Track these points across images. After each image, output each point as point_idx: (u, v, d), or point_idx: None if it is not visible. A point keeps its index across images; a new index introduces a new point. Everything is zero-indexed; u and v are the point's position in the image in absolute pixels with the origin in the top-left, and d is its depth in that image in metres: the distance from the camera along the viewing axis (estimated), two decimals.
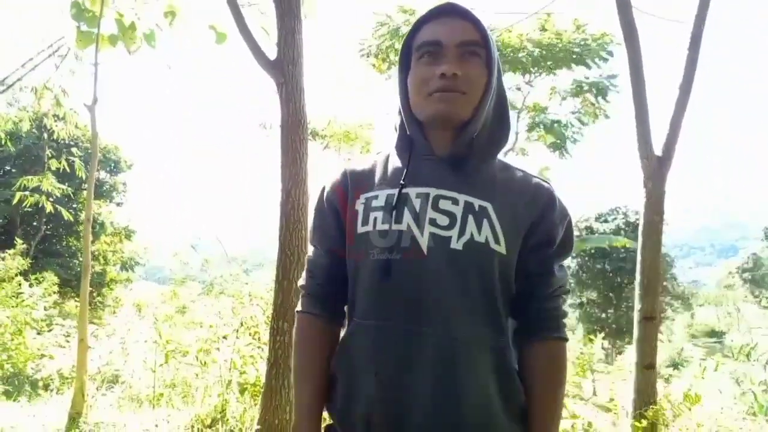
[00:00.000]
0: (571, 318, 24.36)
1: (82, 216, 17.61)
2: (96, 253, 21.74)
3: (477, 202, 1.08)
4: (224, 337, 4.99)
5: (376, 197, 1.14)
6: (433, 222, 1.07)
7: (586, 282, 27.00)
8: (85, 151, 17.97)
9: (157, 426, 4.35)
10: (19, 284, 9.25)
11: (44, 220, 19.84)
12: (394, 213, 1.09)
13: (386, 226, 1.09)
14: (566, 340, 1.18)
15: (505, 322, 1.12)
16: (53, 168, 8.53)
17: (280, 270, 4.06)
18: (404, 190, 1.11)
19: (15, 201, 8.17)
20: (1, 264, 9.45)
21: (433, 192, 1.10)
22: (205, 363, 5.05)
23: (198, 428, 4.28)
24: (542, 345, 1.15)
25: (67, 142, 18.57)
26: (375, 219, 1.11)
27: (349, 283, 1.18)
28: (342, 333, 1.22)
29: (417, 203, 1.09)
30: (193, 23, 5.00)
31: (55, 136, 17.41)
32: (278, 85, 4.05)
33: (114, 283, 21.45)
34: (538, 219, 1.13)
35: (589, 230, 27.81)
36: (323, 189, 1.27)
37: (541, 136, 15.32)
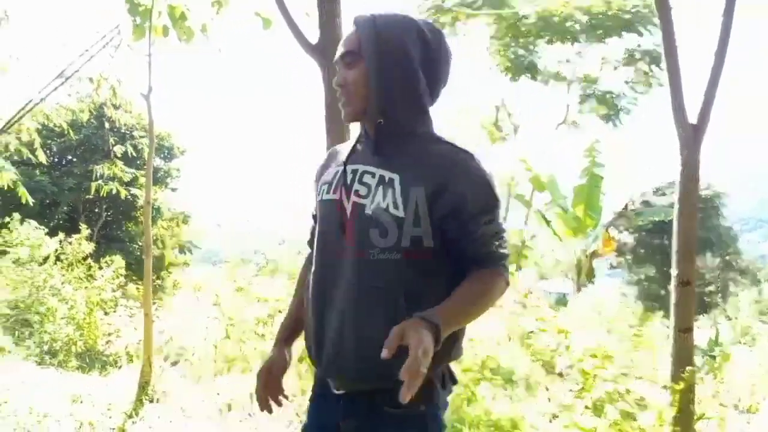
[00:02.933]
0: (629, 295, 23.73)
1: (140, 201, 18.28)
2: (154, 237, 22.55)
3: (387, 175, 1.32)
4: (280, 311, 5.22)
5: (328, 173, 1.49)
6: (356, 192, 1.35)
7: (643, 258, 26.12)
8: (140, 138, 18.68)
9: (218, 394, 4.64)
10: (89, 267, 9.80)
11: (104, 206, 20.73)
12: (333, 185, 1.42)
13: (327, 197, 1.43)
14: (499, 269, 1.34)
15: (407, 275, 1.30)
16: (119, 154, 8.93)
17: None
18: (345, 167, 1.41)
19: (93, 190, 8.66)
20: (69, 248, 9.99)
21: (360, 168, 1.38)
22: (263, 335, 5.31)
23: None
24: (475, 271, 1.32)
25: (123, 130, 19.31)
26: (323, 190, 1.46)
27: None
28: None
29: (349, 178, 1.38)
30: (240, 10, 5.16)
31: (116, 125, 18.17)
32: (321, 67, 4.17)
33: (172, 267, 22.23)
34: (441, 188, 1.29)
35: (647, 204, 26.90)
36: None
37: (594, 107, 15.00)
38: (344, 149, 1.51)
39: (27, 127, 11.20)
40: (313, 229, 1.55)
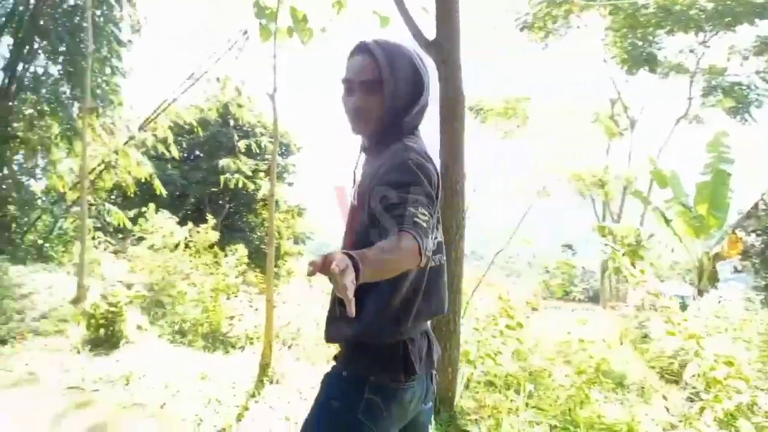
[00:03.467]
0: (755, 301, 21.66)
1: (259, 194, 19.12)
2: (266, 224, 23.82)
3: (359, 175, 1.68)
4: None
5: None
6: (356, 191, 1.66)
7: None
8: (261, 135, 19.70)
9: None
10: (215, 254, 10.52)
11: (227, 198, 22.12)
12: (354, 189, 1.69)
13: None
14: (406, 229, 1.34)
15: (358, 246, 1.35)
16: (242, 150, 9.51)
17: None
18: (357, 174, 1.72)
19: (221, 183, 9.33)
20: (197, 236, 10.77)
21: (359, 174, 1.69)
22: None
23: None
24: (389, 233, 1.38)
25: (246, 128, 20.49)
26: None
27: None
28: None
29: (357, 179, 1.69)
30: (358, 9, 5.31)
31: (239, 123, 19.30)
32: (437, 63, 4.22)
33: (287, 256, 23.26)
34: (376, 176, 1.53)
35: None
36: None
37: (719, 100, 13.90)
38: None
39: (162, 125, 12.21)
40: None
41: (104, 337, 5.88)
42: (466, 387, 4.44)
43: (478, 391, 4.48)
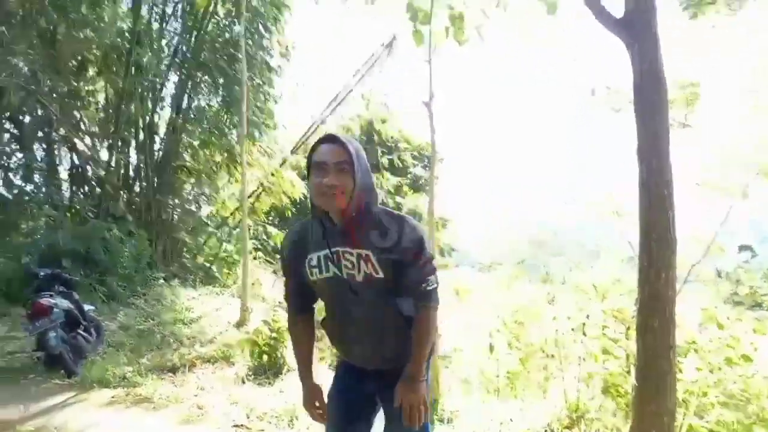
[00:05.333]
0: None
1: (405, 209, 18.97)
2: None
3: (363, 252, 1.93)
4: (572, 330, 4.64)
5: (311, 259, 2.02)
6: (345, 267, 1.96)
7: None
8: (403, 150, 19.65)
9: (511, 420, 4.23)
10: None
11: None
12: (322, 267, 2.00)
13: (324, 275, 2.00)
14: (432, 305, 2.03)
15: (397, 310, 2.02)
16: (386, 166, 9.29)
17: (645, 256, 3.52)
18: (325, 251, 1.98)
19: None
20: None
21: (340, 249, 1.96)
22: (552, 355, 4.79)
23: (557, 427, 4.02)
24: (418, 308, 2.02)
25: (389, 143, 20.57)
26: (315, 272, 2.01)
27: (321, 297, 2.15)
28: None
29: (334, 257, 1.97)
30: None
31: (383, 138, 19.43)
32: (628, 45, 3.52)
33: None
34: (396, 248, 1.94)
35: None
36: (282, 253, 2.19)
37: None
38: (308, 238, 2.05)
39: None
40: (293, 291, 2.19)
41: (267, 364, 5.78)
42: None
43: None
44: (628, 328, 4.41)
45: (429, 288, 1.99)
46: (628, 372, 4.32)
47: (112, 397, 4.97)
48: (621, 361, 4.41)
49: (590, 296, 5.05)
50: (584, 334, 4.43)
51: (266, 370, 5.75)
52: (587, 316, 4.90)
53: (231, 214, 12.88)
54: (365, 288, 1.96)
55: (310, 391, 2.20)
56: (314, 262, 2.00)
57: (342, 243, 1.95)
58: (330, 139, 1.94)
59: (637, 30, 3.43)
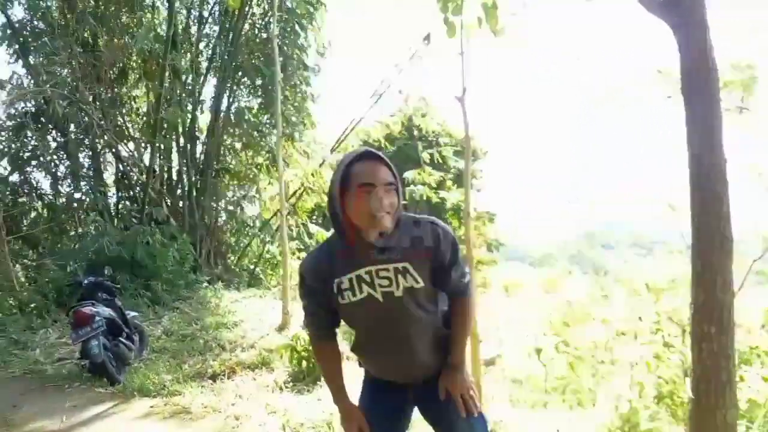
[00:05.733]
0: None
1: (448, 204, 18.73)
2: (462, 237, 23.33)
3: (400, 265, 1.85)
4: (623, 334, 4.36)
5: (342, 282, 1.89)
6: (380, 285, 1.87)
7: None
8: (444, 145, 19.36)
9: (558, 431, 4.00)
10: None
11: (417, 210, 22.13)
12: (354, 289, 1.88)
13: (355, 298, 1.89)
14: (469, 296, 2.05)
15: (437, 314, 2.00)
16: (426, 161, 9.12)
17: (698, 260, 3.23)
18: (357, 272, 1.87)
19: (407, 196, 9.06)
20: None
21: (374, 268, 1.86)
22: (603, 361, 4.52)
23: None
24: (456, 301, 2.03)
25: (430, 138, 20.28)
26: (347, 295, 1.90)
27: (351, 321, 2.04)
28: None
29: (367, 277, 1.86)
30: None
31: (423, 133, 19.18)
32: (674, 28, 3.23)
33: (481, 265, 22.60)
34: (435, 253, 1.89)
35: None
36: (303, 278, 1.99)
37: None
38: (332, 260, 1.90)
39: (352, 145, 12.32)
40: (317, 316, 2.04)
41: (306, 370, 5.69)
42: None
43: None
44: (684, 331, 4.13)
45: (466, 281, 2.00)
46: (686, 377, 4.03)
47: (151, 407, 4.95)
48: (677, 367, 4.12)
49: (643, 296, 4.75)
50: (636, 337, 4.15)
51: (305, 376, 5.65)
52: (640, 318, 4.62)
53: (273, 215, 12.93)
54: (407, 301, 1.89)
55: (348, 412, 2.11)
56: (346, 285, 1.88)
57: (376, 261, 1.85)
58: (371, 156, 1.85)
59: (685, 11, 3.13)
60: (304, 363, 5.77)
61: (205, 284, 9.66)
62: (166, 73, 10.16)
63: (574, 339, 5.19)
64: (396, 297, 1.87)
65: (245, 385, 5.53)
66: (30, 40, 9.86)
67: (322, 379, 5.65)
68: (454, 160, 18.69)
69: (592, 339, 4.72)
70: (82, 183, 10.75)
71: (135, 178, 11.22)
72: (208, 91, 11.95)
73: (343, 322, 2.06)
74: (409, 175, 10.63)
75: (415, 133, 17.60)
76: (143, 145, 11.29)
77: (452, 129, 21.25)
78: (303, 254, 12.59)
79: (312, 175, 11.38)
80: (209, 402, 5.00)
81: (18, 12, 9.87)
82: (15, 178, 10.29)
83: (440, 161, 11.15)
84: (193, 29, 11.79)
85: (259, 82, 11.74)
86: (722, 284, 3.15)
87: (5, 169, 10.10)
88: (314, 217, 16.90)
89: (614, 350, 4.48)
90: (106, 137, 10.42)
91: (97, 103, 10.24)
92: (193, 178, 11.44)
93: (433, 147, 15.16)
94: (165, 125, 10.68)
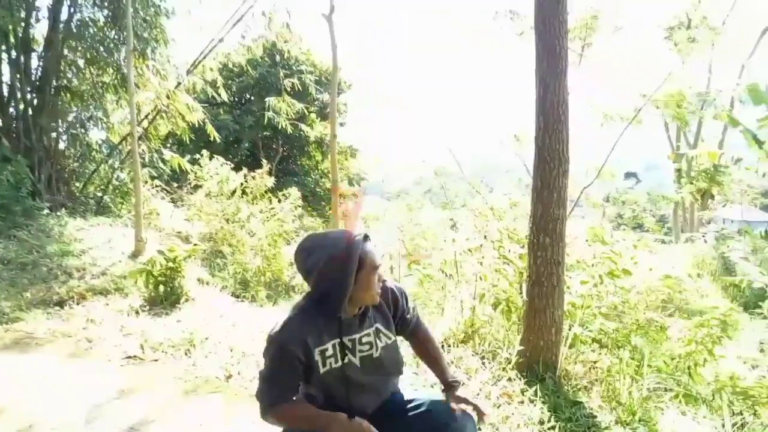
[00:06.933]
0: None
1: (312, 137, 18.63)
2: (325, 171, 23.41)
3: (374, 328, 2.02)
4: (469, 251, 4.75)
5: (326, 350, 1.92)
6: (360, 351, 1.99)
7: None
8: (308, 74, 19.02)
9: None
10: (270, 200, 10.14)
11: (281, 142, 21.72)
12: (339, 355, 1.94)
13: (336, 364, 1.94)
14: (422, 322, 2.27)
15: (400, 357, 2.13)
16: (288, 89, 8.91)
17: (539, 178, 3.59)
18: (341, 339, 1.94)
19: (265, 121, 8.81)
20: (252, 182, 10.41)
21: (357, 336, 1.98)
22: (450, 275, 4.91)
23: (453, 342, 4.16)
24: (417, 332, 2.24)
25: (293, 67, 19.79)
26: (329, 362, 1.93)
27: (322, 389, 1.99)
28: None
29: (349, 344, 1.96)
30: None
31: (286, 61, 18.64)
32: None
33: (342, 198, 22.92)
34: (395, 310, 2.12)
35: None
36: (285, 344, 1.89)
37: None
38: (314, 329, 1.91)
39: (210, 67, 11.70)
40: (288, 386, 1.95)
41: (164, 295, 5.56)
42: (571, 347, 3.84)
43: (583, 351, 3.88)
44: (522, 246, 4.58)
45: (416, 313, 2.25)
46: (521, 288, 4.52)
47: None
48: (515, 279, 4.59)
49: (488, 218, 5.17)
50: (470, 253, 4.54)
51: (163, 300, 5.53)
52: (485, 237, 5.04)
53: (123, 139, 12.04)
54: (384, 356, 2.04)
55: (350, 419, 1.90)
56: (330, 352, 1.95)
57: (358, 329, 1.99)
58: (368, 238, 1.96)
59: None
60: (161, 288, 5.64)
61: (46, 211, 8.87)
62: None
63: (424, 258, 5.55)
64: (374, 357, 2.01)
65: (97, 310, 5.29)
66: None
67: (185, 296, 5.58)
68: (318, 90, 18.48)
69: (442, 258, 5.08)
70: None
71: None
72: None
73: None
74: (268, 100, 10.40)
75: (278, 59, 17.07)
76: None
77: (316, 59, 20.89)
78: (156, 182, 11.95)
79: (167, 97, 10.69)
80: (57, 327, 4.74)
81: None
82: None
83: (300, 90, 10.94)
84: None
85: None
86: (557, 200, 3.55)
87: None
88: (168, 144, 16.00)
89: (461, 266, 4.87)
90: None
91: None
92: (28, 96, 10.25)
93: (295, 76, 14.85)
94: None
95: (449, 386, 2.14)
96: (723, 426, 3.04)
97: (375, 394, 2.07)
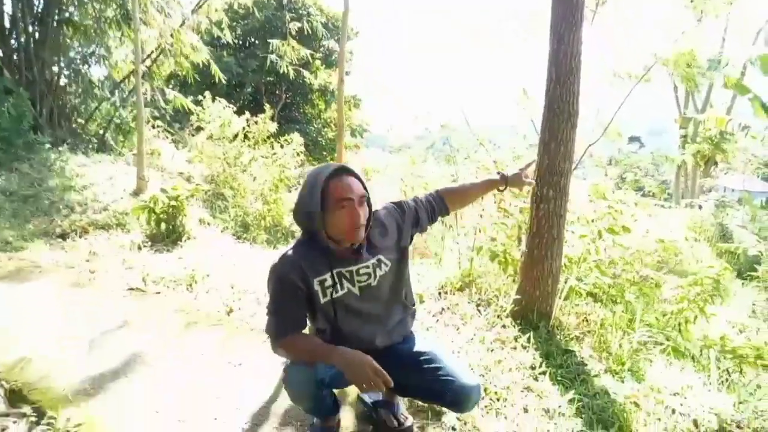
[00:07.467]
0: None
1: (316, 84, 18.38)
2: (328, 120, 23.21)
3: (375, 259, 2.02)
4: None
5: (325, 280, 1.96)
6: (359, 281, 2.00)
7: None
8: (316, 16, 18.65)
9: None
10: (272, 145, 10.09)
11: (284, 88, 21.46)
12: (339, 285, 1.98)
13: (337, 294, 1.98)
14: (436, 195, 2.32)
15: (403, 288, 2.17)
16: (293, 33, 8.74)
17: (547, 130, 3.57)
18: (339, 269, 1.97)
19: (268, 65, 8.67)
20: (255, 127, 10.34)
21: (354, 267, 1.99)
22: (450, 226, 4.95)
23: (449, 290, 4.23)
24: (441, 202, 2.29)
25: (300, 10, 19.36)
26: (329, 292, 1.97)
27: (327, 320, 2.04)
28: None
29: (347, 275, 1.98)
30: None
31: (293, 4, 18.20)
32: None
33: (344, 149, 22.79)
34: (402, 227, 2.13)
35: None
36: (285, 276, 1.93)
37: None
38: (310, 262, 1.94)
39: (215, 7, 11.44)
40: (292, 317, 1.98)
41: (166, 232, 5.61)
42: (566, 298, 3.91)
43: (578, 304, 3.95)
44: (524, 201, 4.61)
45: (428, 193, 2.31)
46: (520, 242, 4.57)
47: None
48: (513, 232, 4.64)
49: (490, 172, 5.16)
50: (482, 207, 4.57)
51: (164, 237, 5.59)
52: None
53: (126, 77, 11.89)
54: (382, 287, 2.05)
55: (352, 353, 1.85)
56: (329, 282, 1.97)
57: (354, 262, 1.99)
58: (345, 171, 1.94)
59: None
60: (163, 225, 5.69)
61: (48, 146, 8.84)
62: None
63: None
64: (373, 286, 2.02)
65: (99, 244, 5.37)
66: None
67: (187, 234, 5.64)
68: (324, 36, 18.13)
69: None
70: None
71: None
72: None
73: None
74: (272, 43, 10.22)
75: (285, 1, 16.68)
76: None
77: (324, 3, 20.44)
78: (158, 122, 11.87)
79: (171, 35, 10.51)
80: (60, 258, 4.81)
81: None
82: None
83: (309, 33, 10.71)
84: None
85: None
86: (564, 153, 3.55)
87: None
88: (171, 85, 15.79)
89: (461, 217, 4.91)
90: None
91: None
92: (30, 28, 10.07)
93: (303, 19, 14.52)
94: None
95: (501, 177, 2.39)
96: (709, 378, 3.13)
97: (379, 324, 2.09)
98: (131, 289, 4.16)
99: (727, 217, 14.92)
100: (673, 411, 2.68)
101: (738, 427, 2.61)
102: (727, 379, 3.25)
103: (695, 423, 2.61)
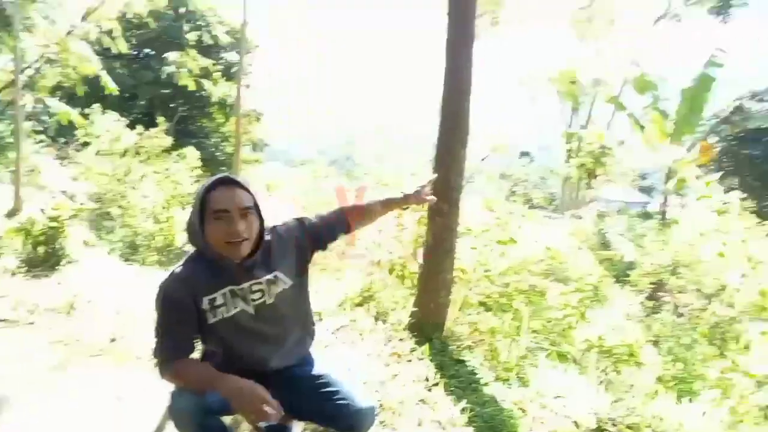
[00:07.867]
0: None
1: (214, 98, 17.94)
2: (227, 134, 22.67)
3: (271, 276, 1.90)
4: None
5: (215, 299, 1.84)
6: (252, 299, 1.88)
7: (727, 169, 23.58)
8: (218, 24, 18.20)
9: None
10: (164, 160, 9.73)
11: (180, 101, 20.75)
12: (230, 304, 1.86)
13: (228, 314, 1.86)
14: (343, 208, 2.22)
15: (304, 305, 2.10)
16: (191, 43, 8.50)
17: (441, 143, 3.70)
18: (230, 288, 1.85)
19: (164, 77, 8.34)
20: (147, 141, 9.93)
21: (246, 285, 1.86)
22: (349, 244, 4.98)
23: (348, 305, 4.25)
24: (341, 219, 2.15)
25: (198, 20, 18.81)
26: (219, 312, 1.85)
27: (218, 340, 1.91)
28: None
29: (240, 293, 1.86)
30: None
31: (191, 12, 17.65)
32: None
33: (244, 164, 22.39)
34: (301, 243, 2.01)
35: (739, 110, 23.88)
36: (169, 297, 1.83)
37: None
38: (199, 280, 1.83)
39: (107, 15, 10.90)
40: (181, 339, 1.86)
41: (44, 256, 5.23)
42: (460, 309, 4.03)
43: (470, 314, 4.09)
44: (421, 217, 4.73)
45: (330, 211, 2.20)
46: (416, 255, 4.68)
47: None
48: (409, 244, 4.75)
49: (390, 188, 5.27)
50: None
51: (42, 261, 5.20)
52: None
53: (4, 88, 11.03)
54: (279, 302, 1.94)
55: (241, 381, 1.72)
56: (219, 301, 1.86)
57: (247, 278, 1.88)
58: (226, 181, 1.83)
59: None
60: (40, 248, 5.29)
61: None
62: None
63: None
64: (268, 305, 1.91)
65: None
66: None
67: (67, 257, 5.30)
68: (226, 48, 17.75)
69: None
70: None
71: None
72: None
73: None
74: (171, 55, 9.89)
75: (183, 11, 16.15)
76: None
77: (225, 16, 20.00)
78: (41, 137, 11.12)
79: (57, 44, 9.88)
80: None
81: None
82: None
83: (209, 44, 10.49)
84: None
85: None
86: (457, 169, 3.68)
87: None
88: (58, 96, 14.85)
89: (359, 237, 4.97)
90: None
91: None
92: None
93: (202, 29, 14.14)
94: None
95: (404, 196, 2.24)
96: (589, 380, 3.33)
97: (275, 344, 1.99)
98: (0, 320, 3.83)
99: (606, 227, 16.02)
100: (557, 414, 2.83)
101: (613, 424, 2.80)
102: (605, 379, 3.48)
103: (576, 424, 2.77)
